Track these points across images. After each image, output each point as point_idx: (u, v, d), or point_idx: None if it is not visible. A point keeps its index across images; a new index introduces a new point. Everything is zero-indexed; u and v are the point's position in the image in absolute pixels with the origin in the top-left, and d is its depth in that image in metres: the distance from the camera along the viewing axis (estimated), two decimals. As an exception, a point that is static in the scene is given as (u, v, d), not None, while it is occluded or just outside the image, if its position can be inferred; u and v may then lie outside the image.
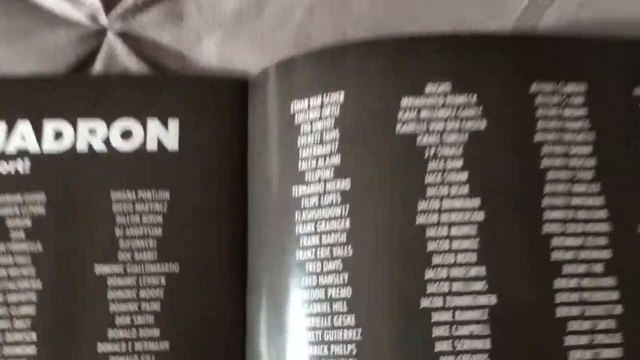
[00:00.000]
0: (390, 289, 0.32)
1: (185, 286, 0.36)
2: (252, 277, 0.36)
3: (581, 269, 0.32)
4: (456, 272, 0.32)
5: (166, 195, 0.36)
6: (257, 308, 0.35)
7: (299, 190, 0.34)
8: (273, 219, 0.35)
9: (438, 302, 0.31)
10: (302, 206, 0.34)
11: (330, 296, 0.33)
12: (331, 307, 0.32)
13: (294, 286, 0.34)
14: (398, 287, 0.32)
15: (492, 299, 0.31)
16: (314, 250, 0.33)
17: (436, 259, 0.32)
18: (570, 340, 0.31)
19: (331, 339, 0.32)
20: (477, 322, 0.31)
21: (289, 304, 0.34)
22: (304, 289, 0.33)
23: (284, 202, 0.35)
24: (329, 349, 0.32)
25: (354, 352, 0.32)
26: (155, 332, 0.35)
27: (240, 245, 0.37)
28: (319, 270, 0.33)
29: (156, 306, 0.35)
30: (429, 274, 0.32)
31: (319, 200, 0.34)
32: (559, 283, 0.32)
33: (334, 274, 0.33)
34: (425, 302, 0.32)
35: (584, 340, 0.31)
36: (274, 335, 0.34)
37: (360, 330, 0.32)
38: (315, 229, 0.34)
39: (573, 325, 0.31)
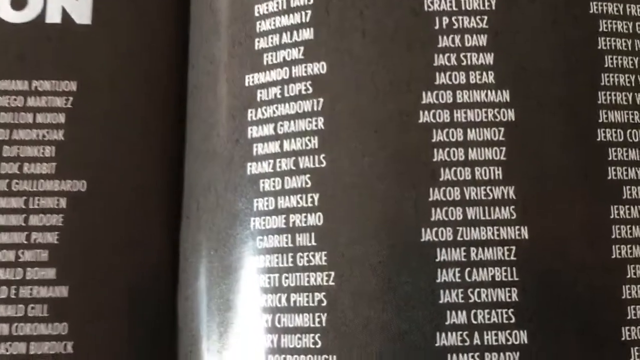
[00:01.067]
0: (378, 215, 0.23)
1: (94, 212, 0.27)
2: (189, 202, 0.27)
3: (649, 193, 0.24)
4: (473, 192, 0.23)
5: (72, 86, 0.28)
6: (193, 244, 0.27)
7: (254, 77, 0.26)
8: (219, 119, 0.26)
9: (447, 234, 0.23)
10: (258, 99, 0.25)
11: (294, 225, 0.24)
12: (294, 240, 0.24)
13: (243, 211, 0.25)
14: (389, 211, 0.23)
15: (522, 232, 0.23)
16: (272, 161, 0.25)
17: (446, 174, 0.23)
18: (631, 291, 0.23)
19: (292, 285, 0.24)
20: (501, 264, 0.23)
21: (236, 237, 0.25)
22: (257, 215, 0.25)
23: (234, 94, 0.26)
24: (288, 299, 0.24)
25: (323, 304, 0.23)
26: (50, 273, 0.26)
27: (173, 157, 0.28)
28: (278, 187, 0.25)
29: (52, 238, 0.27)
30: (435, 194, 0.23)
31: (282, 90, 0.25)
32: (618, 211, 0.24)
33: (300, 193, 0.24)
34: (428, 234, 0.23)
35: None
36: (214, 282, 0.26)
37: (333, 273, 0.23)
38: (276, 130, 0.25)
39: (636, 271, 0.23)
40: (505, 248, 0.23)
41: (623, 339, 0.23)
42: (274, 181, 0.25)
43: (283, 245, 0.24)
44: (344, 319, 0.23)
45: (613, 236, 0.24)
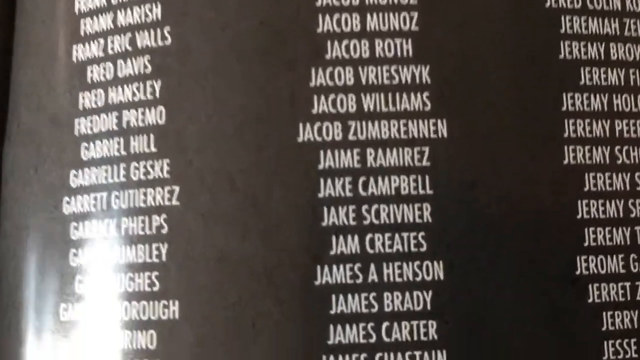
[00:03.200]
0: (239, 107, 0.17)
1: None
2: (12, 112, 0.21)
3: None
4: (372, 74, 0.18)
5: None
6: (14, 163, 0.21)
7: None
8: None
9: (334, 131, 0.17)
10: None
11: (128, 125, 0.18)
12: (127, 145, 0.18)
13: (66, 112, 0.19)
14: (254, 102, 0.17)
15: (438, 129, 0.17)
16: (102, 40, 0.19)
17: (334, 49, 0.17)
18: (589, 209, 0.18)
19: (124, 207, 0.18)
20: (408, 171, 0.17)
21: (58, 146, 0.19)
22: (83, 114, 0.19)
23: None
24: (119, 226, 0.18)
25: (163, 231, 0.17)
26: None
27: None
28: (109, 76, 0.18)
29: None
30: (319, 77, 0.17)
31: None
32: (573, 101, 0.18)
33: (136, 82, 0.18)
34: (308, 132, 0.17)
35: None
36: (35, 210, 0.20)
37: (177, 189, 0.17)
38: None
39: (597, 181, 0.18)
40: (415, 150, 0.17)
41: (578, 272, 0.17)
42: (104, 68, 0.19)
43: (114, 153, 0.18)
44: (190, 251, 0.17)
45: (566, 134, 0.18)
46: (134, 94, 0.18)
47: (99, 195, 0.18)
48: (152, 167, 0.18)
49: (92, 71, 0.19)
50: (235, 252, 0.17)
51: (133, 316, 0.17)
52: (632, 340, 0.17)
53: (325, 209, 0.17)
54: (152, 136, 0.18)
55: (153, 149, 0.18)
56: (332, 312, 0.16)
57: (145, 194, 0.18)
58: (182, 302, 0.17)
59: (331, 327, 0.16)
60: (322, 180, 0.17)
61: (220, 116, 0.18)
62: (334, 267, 0.17)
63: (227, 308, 0.17)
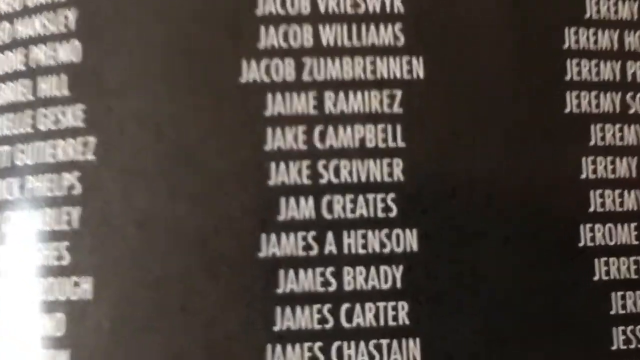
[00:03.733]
0: (168, 39, 0.14)
1: None
2: None
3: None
4: (332, 2, 0.15)
5: None
6: None
7: None
8: None
9: (285, 70, 0.14)
10: None
11: (37, 64, 0.15)
12: (35, 88, 0.15)
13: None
14: (188, 33, 0.14)
15: (413, 68, 0.14)
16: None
17: (285, -29, 0.15)
18: (596, 167, 0.15)
19: (30, 163, 0.15)
20: (376, 119, 0.14)
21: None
22: None
23: None
24: (22, 186, 0.15)
25: (74, 191, 0.14)
26: None
27: None
28: (18, 6, 0.15)
29: None
30: (267, 4, 0.14)
31: None
32: (577, 38, 0.15)
33: (47, 11, 0.15)
34: (254, 71, 0.14)
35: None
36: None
37: (94, 140, 0.14)
38: None
39: (605, 134, 0.15)
40: (385, 94, 0.14)
41: (582, 244, 0.14)
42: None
43: (19, 98, 0.15)
44: (107, 215, 0.14)
45: (568, 77, 0.15)
46: (44, 27, 0.15)
47: (0, 150, 0.15)
48: (64, 114, 0.15)
49: (-3, 1, 0.16)
50: (162, 217, 0.14)
51: (37, 296, 0.14)
52: (647, 327, 0.14)
53: (273, 165, 0.14)
54: (64, 77, 0.15)
55: (65, 93, 0.15)
56: (280, 290, 0.13)
57: (54, 147, 0.15)
58: (96, 279, 0.14)
59: (278, 309, 0.13)
60: (269, 130, 0.14)
61: (145, 51, 0.14)
62: (283, 236, 0.14)
63: (151, 286, 0.14)
